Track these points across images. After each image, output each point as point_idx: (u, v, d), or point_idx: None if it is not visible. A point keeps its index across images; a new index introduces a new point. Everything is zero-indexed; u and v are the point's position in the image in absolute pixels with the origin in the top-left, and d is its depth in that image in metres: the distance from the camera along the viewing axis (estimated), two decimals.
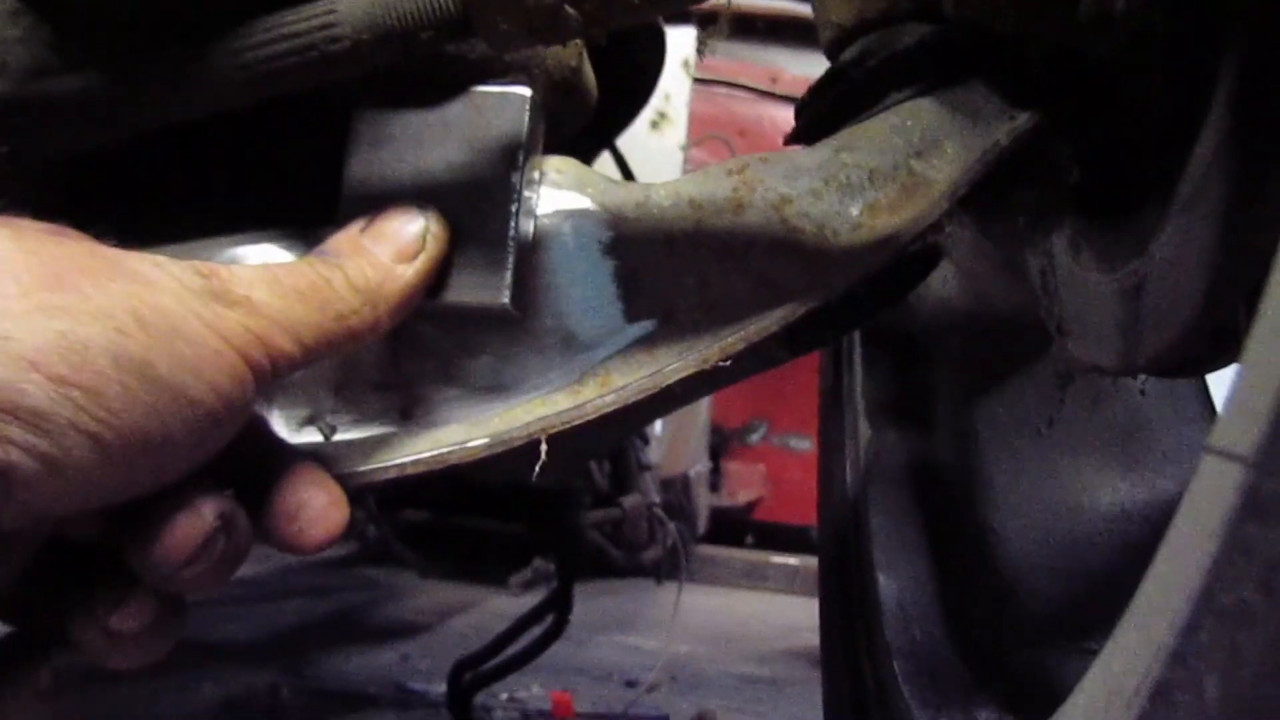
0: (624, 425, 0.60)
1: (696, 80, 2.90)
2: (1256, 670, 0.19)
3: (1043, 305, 0.63)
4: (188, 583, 0.40)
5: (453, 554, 2.98)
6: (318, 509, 0.44)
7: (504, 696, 1.70)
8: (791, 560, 3.37)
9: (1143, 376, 0.82)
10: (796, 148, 0.57)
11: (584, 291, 0.52)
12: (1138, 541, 0.82)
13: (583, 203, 0.52)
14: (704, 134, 3.11)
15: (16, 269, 0.34)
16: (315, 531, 0.43)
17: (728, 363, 0.51)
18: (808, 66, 3.53)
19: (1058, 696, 0.40)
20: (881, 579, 0.87)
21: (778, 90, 3.44)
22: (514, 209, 0.49)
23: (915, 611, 0.85)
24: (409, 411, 0.52)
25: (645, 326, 0.52)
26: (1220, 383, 0.85)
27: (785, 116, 3.59)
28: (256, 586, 2.46)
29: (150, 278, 0.38)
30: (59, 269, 0.35)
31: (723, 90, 3.43)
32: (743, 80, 3.46)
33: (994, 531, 0.86)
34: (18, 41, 0.56)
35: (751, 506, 3.73)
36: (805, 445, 3.61)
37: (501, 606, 2.48)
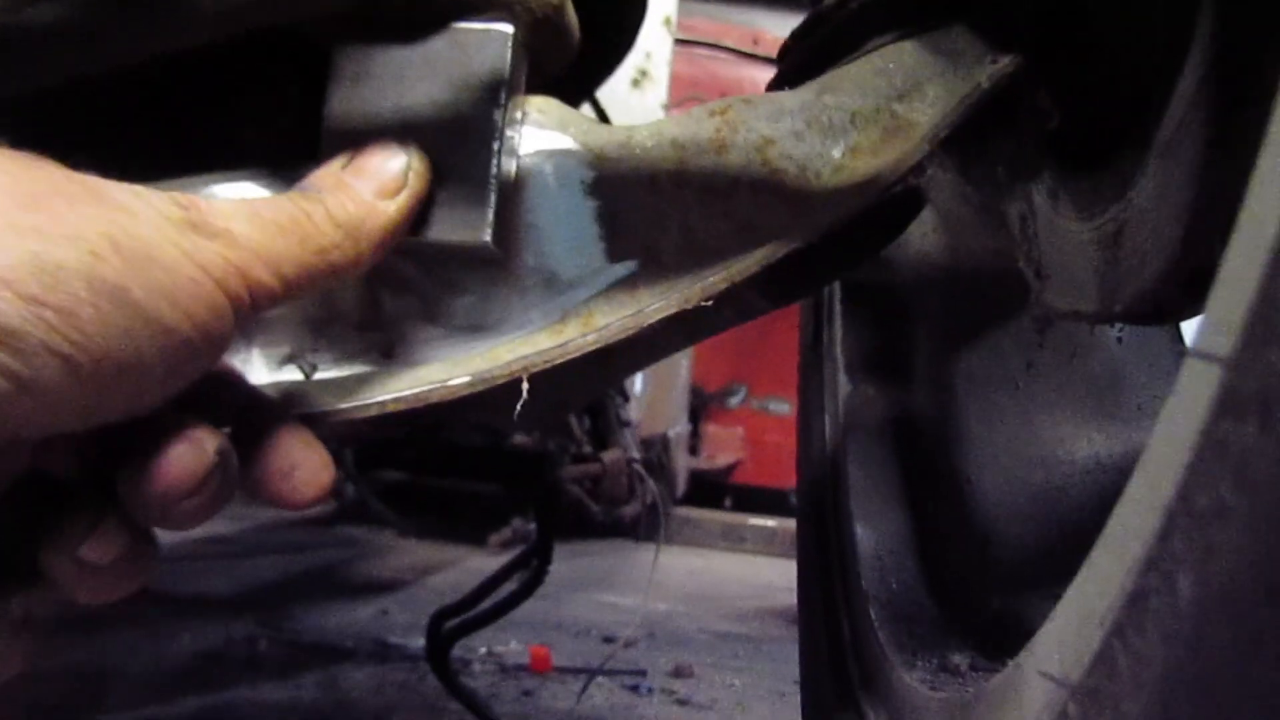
0: (606, 370, 0.60)
1: (678, 41, 2.88)
2: (1231, 564, 0.20)
3: (1022, 251, 0.63)
4: (178, 516, 0.40)
5: (431, 513, 2.98)
6: (311, 469, 0.44)
7: (482, 650, 1.72)
8: (769, 522, 3.40)
9: (1119, 325, 0.82)
10: (780, 92, 0.57)
11: (566, 231, 0.52)
12: (1112, 492, 0.83)
13: (565, 142, 0.52)
14: (685, 94, 3.10)
15: None
16: (308, 490, 0.44)
17: (709, 303, 0.51)
18: (790, 28, 3.51)
19: (1030, 639, 0.41)
20: (859, 529, 0.88)
21: (759, 52, 3.43)
22: (496, 147, 0.49)
23: (892, 561, 0.86)
24: (390, 350, 0.52)
25: (628, 266, 0.52)
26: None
27: (766, 78, 3.57)
28: (234, 544, 2.46)
29: (128, 205, 0.38)
30: (35, 191, 0.35)
31: (704, 51, 3.42)
32: (725, 41, 3.44)
33: (970, 482, 0.87)
34: None
35: (730, 469, 3.75)
36: (784, 409, 3.63)
37: (480, 565, 2.49)
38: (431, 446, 2.82)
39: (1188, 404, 0.23)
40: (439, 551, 2.73)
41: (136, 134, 0.61)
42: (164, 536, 0.43)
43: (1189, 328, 0.84)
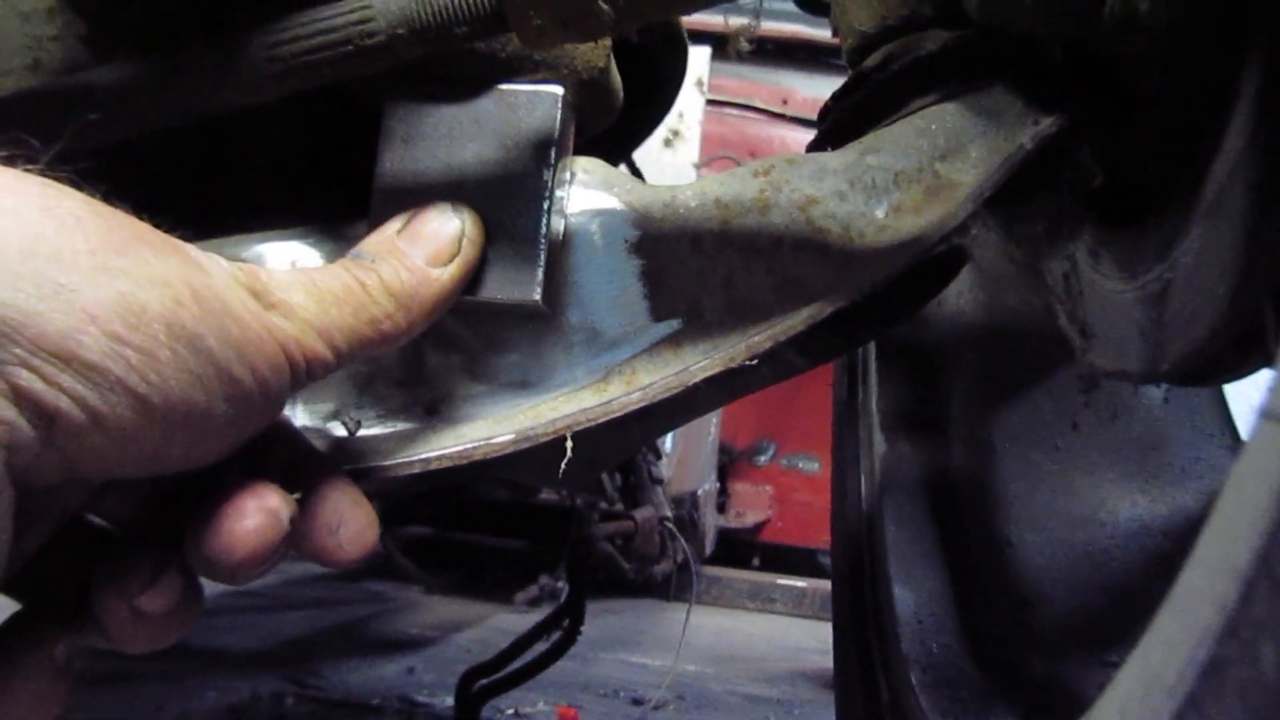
0: (645, 428, 0.60)
1: (709, 101, 2.92)
2: None
3: (1065, 311, 0.63)
4: (243, 577, 0.41)
5: (457, 569, 2.97)
6: (357, 527, 0.44)
7: (510, 711, 1.69)
8: (799, 583, 3.35)
9: (1165, 385, 0.81)
10: (822, 152, 0.57)
11: (611, 289, 0.52)
12: (1158, 555, 0.82)
13: (610, 201, 0.53)
14: (715, 153, 3.13)
15: (87, 228, 0.35)
16: (352, 549, 0.44)
17: (754, 362, 0.51)
18: (819, 88, 3.54)
19: (1078, 706, 0.39)
20: (898, 590, 0.87)
21: (789, 111, 3.46)
22: (546, 206, 0.49)
23: (932, 623, 0.84)
24: (434, 407, 0.52)
25: (671, 325, 0.52)
26: (1239, 398, 0.85)
27: (796, 137, 3.61)
28: (261, 597, 2.46)
29: (202, 262, 0.39)
30: (126, 235, 0.36)
31: (735, 111, 3.46)
32: (755, 101, 3.48)
33: (1011, 544, 0.86)
34: (53, 39, 0.56)
35: (758, 528, 3.71)
36: (814, 467, 3.60)
37: (506, 623, 2.47)
38: (458, 501, 2.82)
39: (1262, 465, 0.22)
40: (465, 608, 2.71)
41: (187, 190, 0.62)
42: None
43: (1231, 387, 0.83)
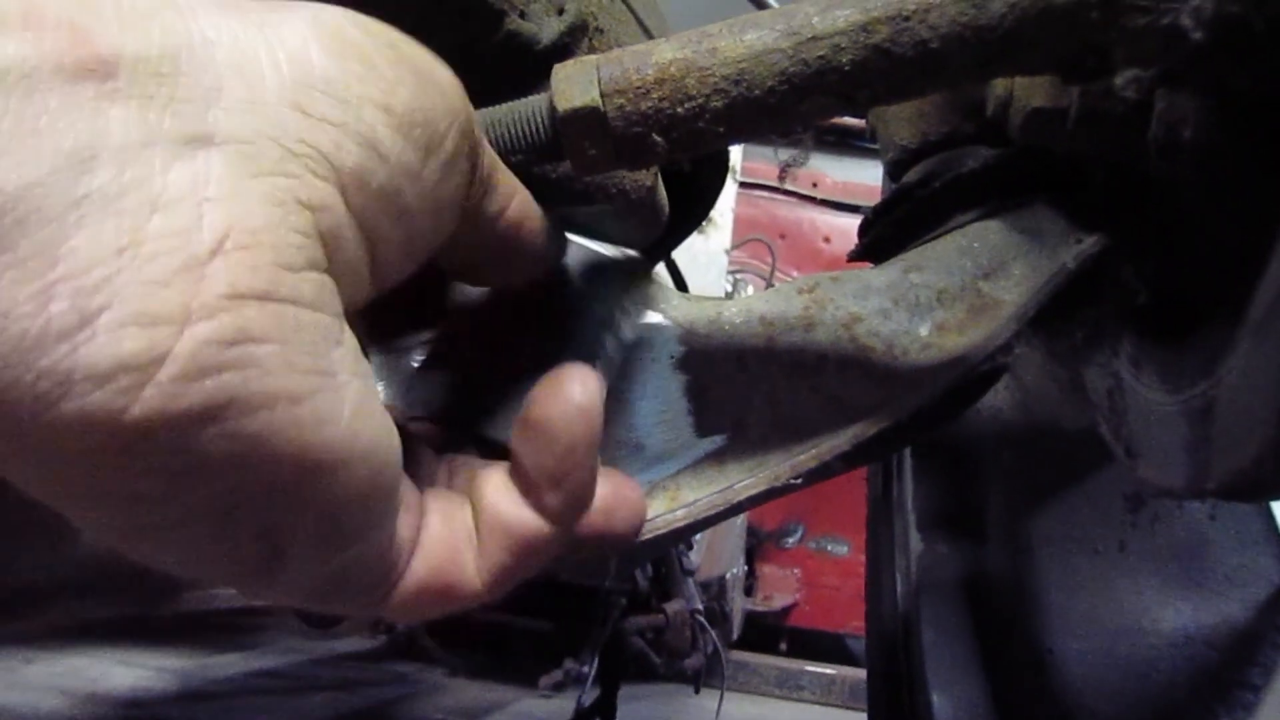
0: (685, 537, 0.59)
1: (740, 185, 2.95)
2: None
3: (1110, 428, 0.62)
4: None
5: (481, 650, 2.94)
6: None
7: None
8: (828, 669, 3.29)
9: (1211, 502, 0.80)
10: (864, 266, 0.58)
11: (655, 405, 0.52)
12: (1204, 668, 0.80)
13: (655, 317, 0.53)
14: (746, 235, 3.15)
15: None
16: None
17: (799, 480, 0.51)
18: (848, 172, 3.59)
19: None
20: (935, 697, 0.85)
21: (819, 195, 3.50)
22: (603, 328, 0.50)
23: None
24: None
25: (716, 441, 0.52)
26: None
27: (826, 220, 3.65)
28: (284, 678, 2.44)
29: None
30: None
31: (765, 194, 3.49)
32: (785, 185, 3.52)
33: (1051, 652, 0.84)
34: None
35: (786, 612, 3.66)
36: (843, 549, 3.56)
37: (531, 708, 2.43)
38: None
39: None
40: (489, 692, 2.68)
41: None
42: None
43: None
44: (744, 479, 0.51)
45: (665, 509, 0.51)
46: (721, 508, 0.50)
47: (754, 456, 0.51)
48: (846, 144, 3.54)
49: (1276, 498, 0.64)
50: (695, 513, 0.50)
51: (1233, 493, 0.59)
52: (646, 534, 0.51)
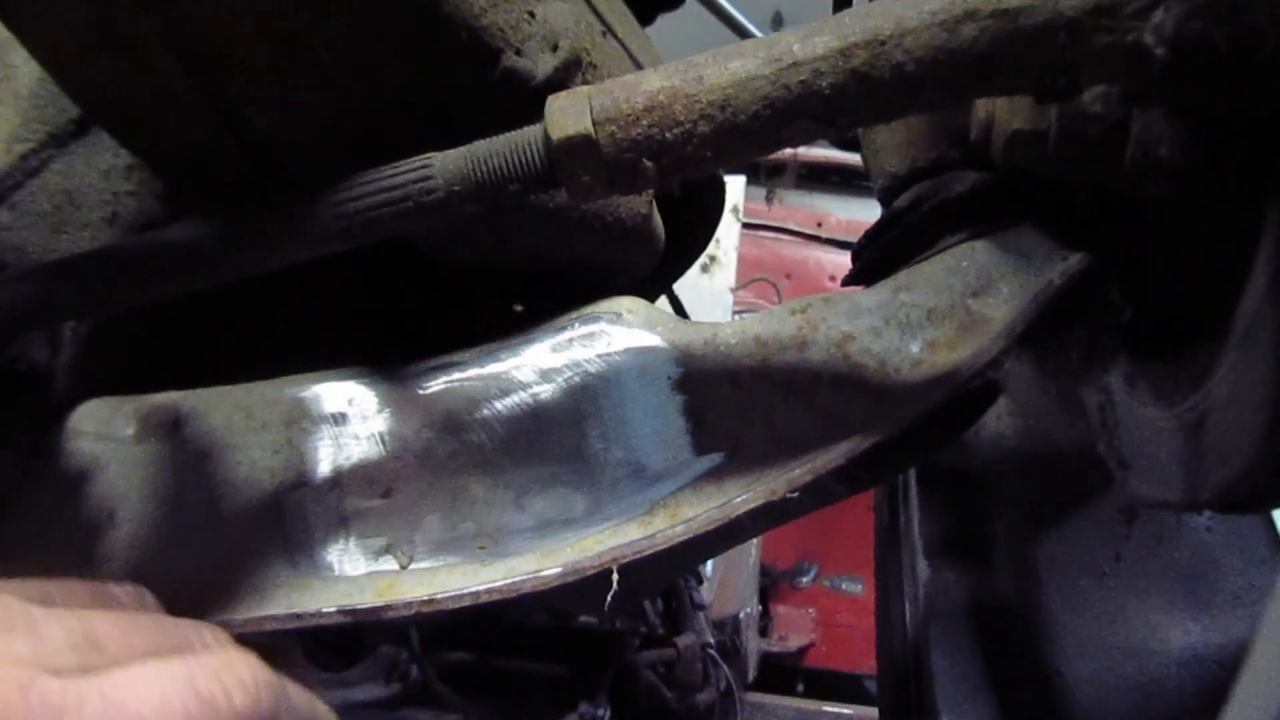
0: (688, 557, 0.60)
1: (745, 225, 2.98)
2: None
3: (1103, 441, 0.63)
4: None
5: (496, 696, 2.91)
6: None
7: None
8: (845, 710, 3.25)
9: (1208, 514, 0.81)
10: (856, 288, 0.59)
11: (654, 425, 0.54)
12: (1212, 686, 0.80)
13: (652, 340, 0.55)
14: (751, 275, 3.18)
15: None
16: None
17: (795, 494, 0.52)
18: (852, 211, 3.61)
19: None
20: None
21: (823, 234, 3.52)
22: None
23: None
24: (483, 542, 0.54)
25: (713, 459, 0.53)
26: None
27: (830, 259, 3.66)
28: None
29: None
30: None
31: (769, 234, 3.52)
32: (789, 224, 3.54)
33: (1060, 674, 0.85)
34: (129, 194, 0.60)
35: (802, 652, 3.63)
36: (858, 588, 3.53)
37: None
38: (496, 625, 2.78)
39: None
40: None
41: (248, 332, 0.65)
42: None
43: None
44: (742, 494, 0.52)
45: (666, 525, 0.52)
46: (721, 522, 0.52)
47: (751, 473, 0.53)
48: (850, 184, 3.57)
49: (1270, 508, 0.65)
50: (695, 528, 0.52)
51: (1227, 504, 0.60)
52: (650, 549, 0.52)
